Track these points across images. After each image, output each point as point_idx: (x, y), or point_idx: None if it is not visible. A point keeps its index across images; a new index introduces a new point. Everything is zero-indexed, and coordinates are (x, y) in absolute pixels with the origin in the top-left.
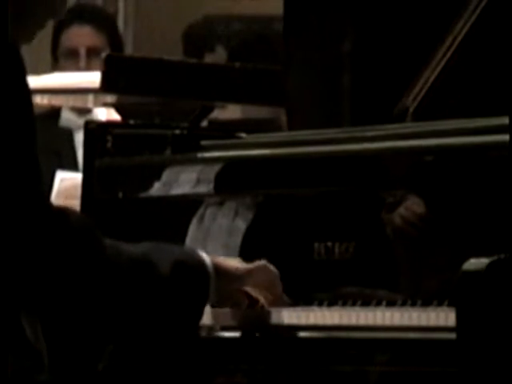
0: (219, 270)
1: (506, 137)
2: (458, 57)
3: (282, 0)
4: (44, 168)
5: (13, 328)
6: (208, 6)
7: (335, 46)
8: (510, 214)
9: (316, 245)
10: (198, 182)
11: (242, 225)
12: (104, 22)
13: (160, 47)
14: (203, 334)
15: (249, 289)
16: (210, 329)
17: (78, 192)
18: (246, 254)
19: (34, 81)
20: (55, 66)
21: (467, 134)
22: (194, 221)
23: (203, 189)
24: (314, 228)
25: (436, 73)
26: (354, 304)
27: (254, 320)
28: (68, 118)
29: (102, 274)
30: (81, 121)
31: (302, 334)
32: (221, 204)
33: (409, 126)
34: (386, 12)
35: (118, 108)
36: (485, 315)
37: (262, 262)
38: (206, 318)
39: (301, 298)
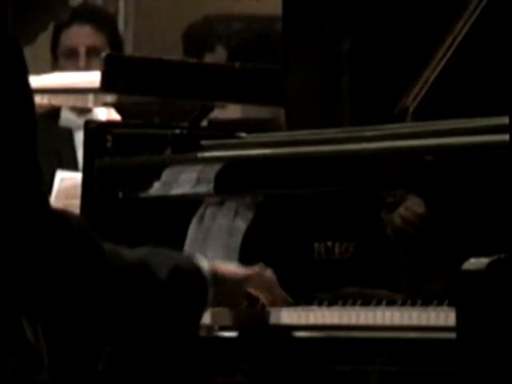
0: (217, 275)
1: (506, 137)
2: (457, 57)
3: (282, 0)
4: (44, 168)
5: (13, 328)
6: (208, 6)
7: (335, 46)
8: (510, 213)
9: (316, 245)
10: (198, 181)
11: (242, 225)
12: (104, 21)
13: (160, 47)
14: (203, 333)
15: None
16: (210, 328)
17: (78, 192)
18: (245, 254)
19: (33, 81)
20: (55, 65)
21: (467, 133)
22: (194, 221)
23: (203, 189)
24: (314, 228)
25: (436, 73)
26: (354, 304)
27: (254, 320)
28: (68, 117)
29: (100, 277)
30: (81, 121)
31: (302, 334)
32: (221, 204)
33: (409, 126)
34: (386, 12)
35: (117, 108)
36: (485, 315)
37: (260, 267)
38: (206, 317)
39: (301, 297)
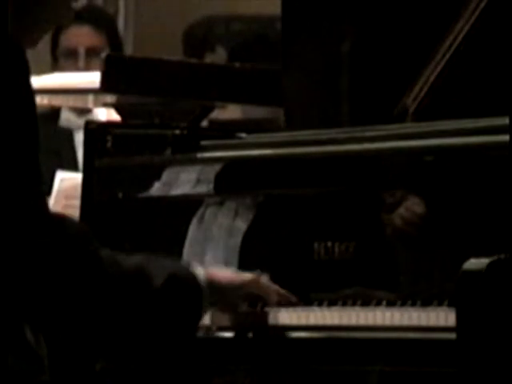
0: (213, 283)
1: (506, 137)
2: (458, 57)
3: (281, 0)
4: (44, 168)
5: (14, 331)
6: (208, 6)
7: (334, 46)
8: (510, 213)
9: (316, 245)
10: (198, 181)
11: (242, 225)
12: (103, 21)
13: (160, 47)
14: (201, 334)
15: None
16: (209, 329)
17: (78, 192)
18: (245, 254)
19: (33, 81)
20: (55, 66)
21: (467, 134)
22: (194, 221)
23: (203, 189)
24: (314, 228)
25: (436, 73)
26: (354, 304)
27: (254, 320)
28: (68, 118)
29: (95, 283)
30: (81, 121)
31: (302, 335)
32: (221, 204)
33: (409, 126)
34: (386, 12)
35: (117, 108)
36: (485, 315)
37: (256, 275)
38: (204, 318)
39: (301, 297)
